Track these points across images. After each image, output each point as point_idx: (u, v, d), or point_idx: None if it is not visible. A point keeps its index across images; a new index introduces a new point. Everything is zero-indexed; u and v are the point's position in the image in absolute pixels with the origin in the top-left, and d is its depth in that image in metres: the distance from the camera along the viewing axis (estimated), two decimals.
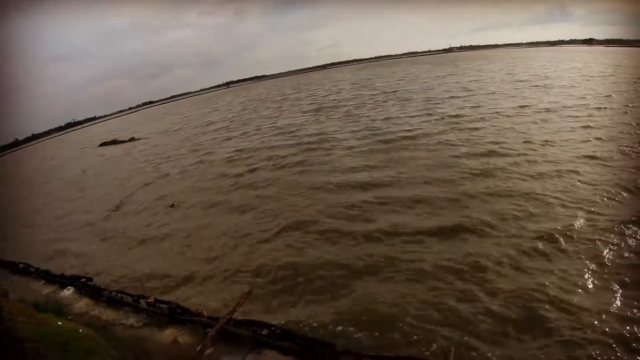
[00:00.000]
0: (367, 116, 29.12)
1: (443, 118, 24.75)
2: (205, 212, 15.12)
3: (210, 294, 9.32)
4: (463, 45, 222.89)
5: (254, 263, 10.41)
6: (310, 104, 45.04)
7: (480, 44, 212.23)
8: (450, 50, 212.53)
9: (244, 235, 12.23)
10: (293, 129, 29.00)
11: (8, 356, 5.65)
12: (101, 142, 52.74)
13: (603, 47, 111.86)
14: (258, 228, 12.49)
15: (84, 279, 10.23)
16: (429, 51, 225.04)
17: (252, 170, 19.66)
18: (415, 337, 6.91)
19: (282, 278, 9.41)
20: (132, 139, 47.85)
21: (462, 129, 21.00)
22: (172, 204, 16.68)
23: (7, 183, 36.73)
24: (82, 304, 9.41)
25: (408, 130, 22.23)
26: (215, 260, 11.12)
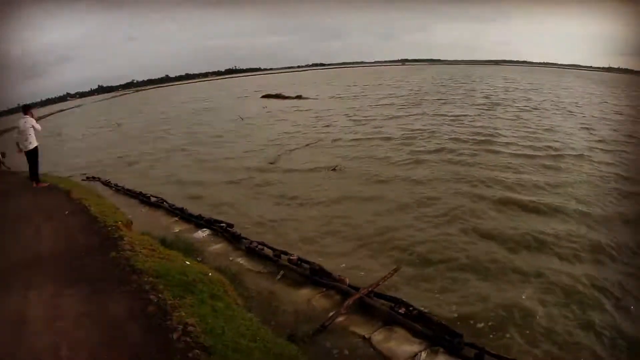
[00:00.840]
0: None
1: None
2: (368, 185, 15.24)
3: (354, 264, 9.54)
4: None
5: (407, 243, 10.47)
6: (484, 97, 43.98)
7: None
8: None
9: (404, 214, 12.38)
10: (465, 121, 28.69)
11: (120, 285, 6.03)
12: (264, 94, 54.92)
13: None
14: (421, 213, 12.40)
15: (224, 224, 10.85)
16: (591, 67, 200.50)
17: (425, 152, 19.89)
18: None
19: (432, 264, 9.52)
20: (298, 97, 49.65)
21: None
22: (334, 168, 16.98)
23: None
24: (216, 248, 9.93)
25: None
26: (366, 233, 11.19)
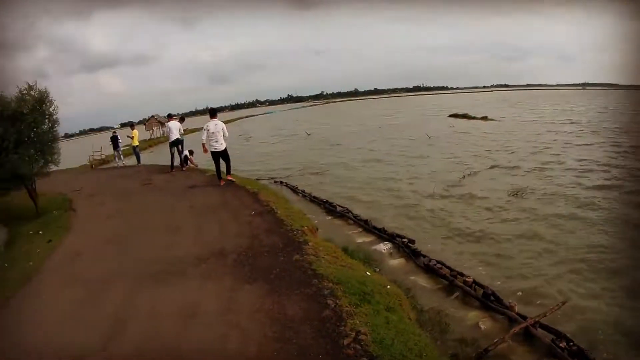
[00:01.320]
0: None
1: None
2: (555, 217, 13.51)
3: (530, 290, 8.98)
4: None
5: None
6: None
7: None
8: None
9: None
10: None
11: (300, 286, 6.20)
12: (450, 113, 54.43)
13: None
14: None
15: (406, 239, 10.97)
16: None
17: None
18: None
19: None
20: (484, 118, 48.06)
21: None
22: (516, 193, 15.92)
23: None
24: (396, 263, 10.03)
25: None
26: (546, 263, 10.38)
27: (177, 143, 18.07)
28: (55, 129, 14.55)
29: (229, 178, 14.21)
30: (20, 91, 13.47)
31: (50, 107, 14.02)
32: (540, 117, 48.72)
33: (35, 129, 13.70)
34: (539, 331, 7.07)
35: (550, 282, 9.25)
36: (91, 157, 34.55)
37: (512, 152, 25.36)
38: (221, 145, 13.40)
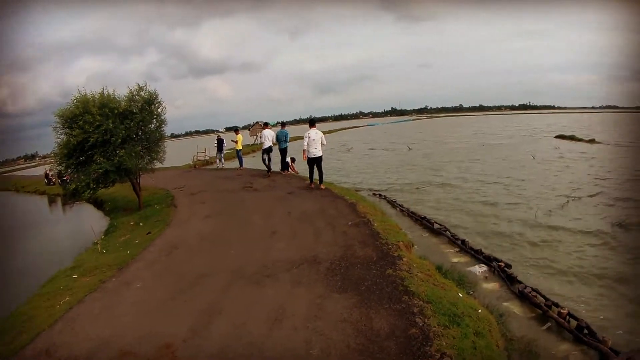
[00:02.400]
0: None
1: None
2: None
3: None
4: None
5: None
6: None
7: None
8: None
9: None
10: None
11: (390, 301, 6.25)
12: (557, 134, 52.13)
13: None
14: None
15: (502, 263, 10.71)
16: None
17: None
18: None
19: None
20: (591, 141, 45.04)
21: None
22: (620, 223, 14.61)
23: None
24: (490, 286, 9.72)
25: None
26: None
27: (270, 150, 19.84)
28: (162, 129, 15.55)
29: (322, 187, 15.52)
30: (130, 91, 14.46)
31: (159, 107, 14.97)
32: None
33: (143, 127, 14.65)
34: None
35: None
36: (195, 157, 36.24)
37: (616, 179, 23.63)
38: (319, 152, 14.88)
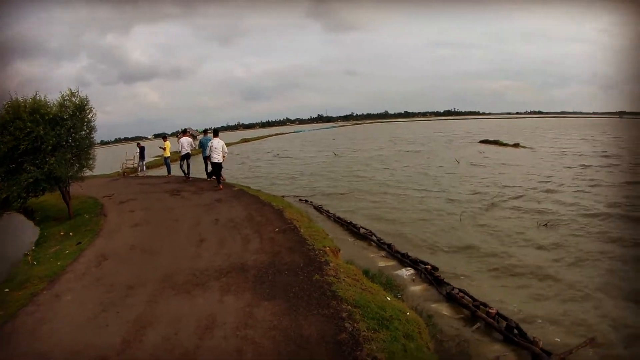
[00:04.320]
0: None
1: None
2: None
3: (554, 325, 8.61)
4: None
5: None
6: None
7: None
8: None
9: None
10: None
11: (318, 307, 6.25)
12: (481, 139, 54.07)
13: None
14: None
15: (429, 265, 10.89)
16: None
17: None
18: None
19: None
20: (515, 145, 47.06)
21: None
22: (546, 223, 15.42)
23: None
24: (418, 289, 9.90)
25: None
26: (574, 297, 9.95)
27: (187, 157, 21.17)
28: (92, 136, 14.98)
29: (221, 186, 17.53)
30: (62, 96, 13.90)
31: (89, 114, 14.45)
32: (570, 147, 47.72)
33: (73, 134, 14.11)
34: None
35: (578, 317, 8.93)
36: (124, 165, 35.37)
37: (544, 181, 24.59)
38: (220, 159, 17.01)
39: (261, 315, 5.99)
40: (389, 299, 7.25)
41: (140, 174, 28.74)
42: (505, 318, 8.14)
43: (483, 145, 50.75)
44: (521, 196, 20.49)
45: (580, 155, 38.38)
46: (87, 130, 14.59)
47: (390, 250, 12.22)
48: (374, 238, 13.36)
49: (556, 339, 7.90)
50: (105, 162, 30.96)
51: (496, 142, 51.40)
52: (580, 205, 18.04)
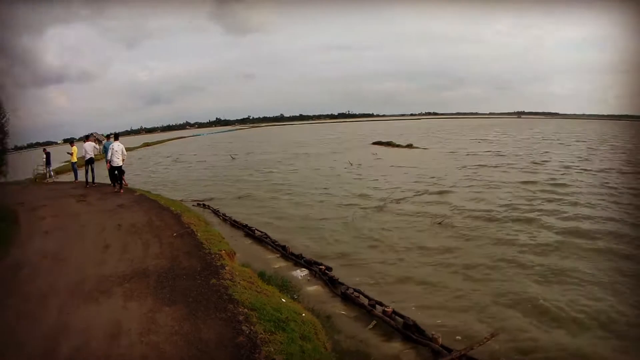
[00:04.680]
0: None
1: None
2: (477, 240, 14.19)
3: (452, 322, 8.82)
4: None
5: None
6: None
7: None
8: None
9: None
10: None
11: (216, 311, 6.32)
12: (375, 141, 55.68)
13: None
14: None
15: (323, 266, 11.03)
16: None
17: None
18: None
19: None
20: (409, 146, 49.89)
21: None
22: (440, 222, 16.23)
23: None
24: (313, 290, 10.08)
25: None
26: (471, 291, 10.43)
27: (91, 162, 20.94)
28: (5, 141, 14.15)
29: (123, 190, 18.09)
30: None
31: (2, 118, 13.67)
32: (461, 147, 50.01)
33: None
34: None
35: (477, 313, 9.25)
36: (35, 170, 33.60)
37: (435, 181, 25.78)
38: (120, 162, 17.55)
39: (163, 321, 6.00)
40: (284, 300, 7.37)
41: (50, 180, 27.69)
42: (402, 316, 8.19)
43: (377, 146, 52.30)
44: (413, 196, 21.42)
45: (473, 155, 40.96)
46: (1, 135, 13.82)
47: (285, 252, 12.36)
48: (269, 240, 13.48)
49: (457, 337, 8.04)
50: (19, 168, 29.38)
51: (389, 144, 53.34)
52: (470, 206, 19.00)
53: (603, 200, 19.45)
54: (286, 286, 9.43)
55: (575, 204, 18.66)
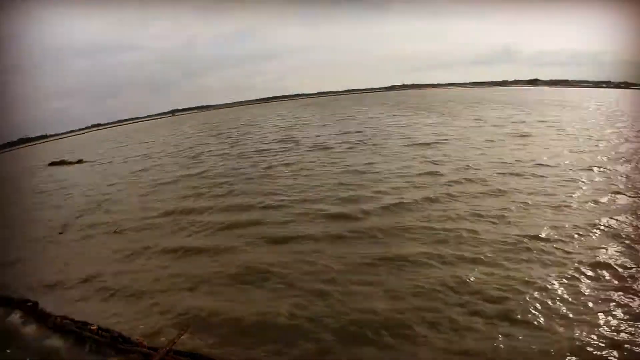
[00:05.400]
0: None
1: None
2: (149, 241, 15.96)
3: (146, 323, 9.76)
4: (405, 84, 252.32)
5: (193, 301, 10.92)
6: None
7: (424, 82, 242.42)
8: (392, 88, 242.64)
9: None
10: None
11: None
12: (50, 161, 52.26)
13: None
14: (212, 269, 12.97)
15: (30, 303, 10.86)
16: (372, 89, 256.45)
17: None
18: None
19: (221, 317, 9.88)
20: (80, 161, 49.10)
21: None
22: (116, 230, 17.71)
23: None
24: (30, 331, 9.95)
25: None
26: (155, 292, 11.72)
27: None
28: None
29: None
30: None
31: None
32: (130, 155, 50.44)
33: None
34: (177, 358, 7.77)
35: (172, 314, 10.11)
36: None
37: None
38: None
39: None
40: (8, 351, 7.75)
41: None
42: (107, 330, 8.82)
43: (54, 167, 49.50)
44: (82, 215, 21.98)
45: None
46: None
47: None
48: None
49: (162, 338, 8.71)
50: None
51: (63, 162, 50.94)
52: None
53: None
54: (7, 337, 9.38)
55: None
